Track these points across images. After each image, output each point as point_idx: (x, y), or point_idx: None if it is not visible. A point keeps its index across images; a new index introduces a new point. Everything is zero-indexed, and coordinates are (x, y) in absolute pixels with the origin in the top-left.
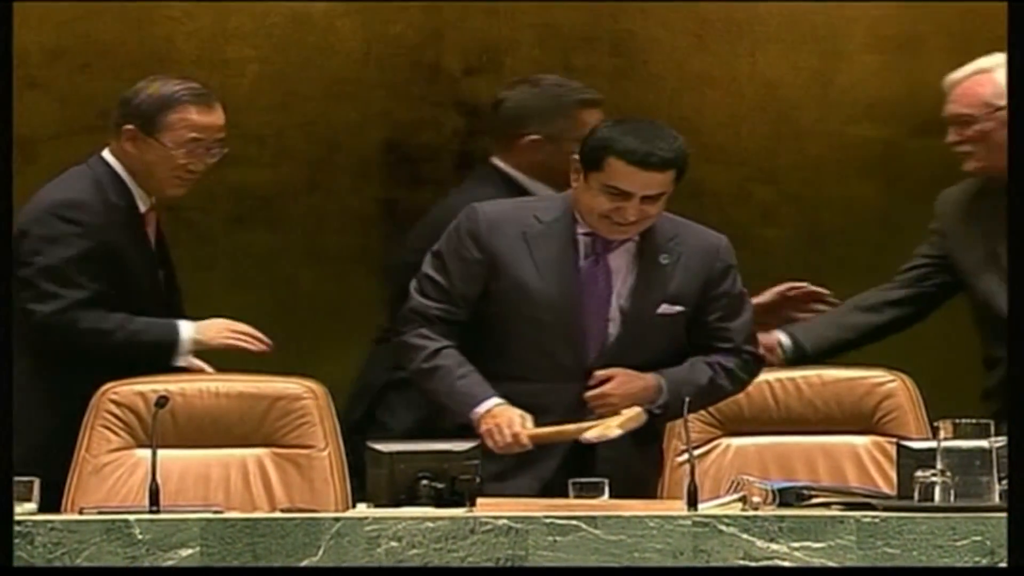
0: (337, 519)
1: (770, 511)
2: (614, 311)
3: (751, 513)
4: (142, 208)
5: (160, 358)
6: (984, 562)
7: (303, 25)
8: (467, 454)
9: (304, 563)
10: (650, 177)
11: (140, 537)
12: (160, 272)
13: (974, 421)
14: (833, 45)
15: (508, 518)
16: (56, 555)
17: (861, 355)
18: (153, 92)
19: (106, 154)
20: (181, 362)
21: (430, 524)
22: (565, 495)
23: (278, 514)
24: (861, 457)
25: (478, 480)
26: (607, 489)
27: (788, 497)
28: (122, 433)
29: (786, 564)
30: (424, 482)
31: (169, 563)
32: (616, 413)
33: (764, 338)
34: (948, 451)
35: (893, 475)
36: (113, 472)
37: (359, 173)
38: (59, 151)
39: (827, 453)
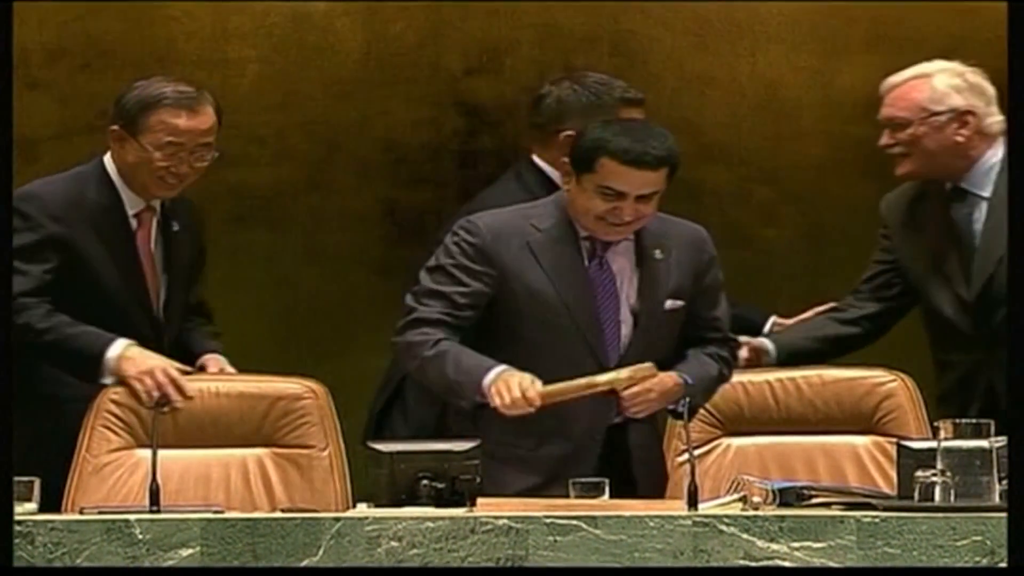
0: (337, 519)
1: (770, 511)
2: (625, 312)
3: (751, 513)
4: (130, 210)
5: (84, 370)
6: (984, 562)
7: (303, 25)
8: (467, 454)
9: (304, 563)
10: (644, 176)
11: (140, 537)
12: (149, 276)
13: (974, 421)
14: (833, 45)
15: (508, 518)
16: (56, 555)
17: (861, 355)
18: (137, 93)
19: (107, 155)
20: (108, 379)
21: (430, 524)
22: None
23: (278, 514)
24: (861, 457)
25: (478, 480)
26: (607, 489)
27: (788, 497)
28: (122, 433)
29: (786, 564)
30: (424, 482)
31: (169, 563)
32: (649, 412)
33: (752, 342)
34: (948, 451)
35: (893, 475)
36: (113, 472)
37: (359, 173)
38: (59, 151)
39: (827, 453)
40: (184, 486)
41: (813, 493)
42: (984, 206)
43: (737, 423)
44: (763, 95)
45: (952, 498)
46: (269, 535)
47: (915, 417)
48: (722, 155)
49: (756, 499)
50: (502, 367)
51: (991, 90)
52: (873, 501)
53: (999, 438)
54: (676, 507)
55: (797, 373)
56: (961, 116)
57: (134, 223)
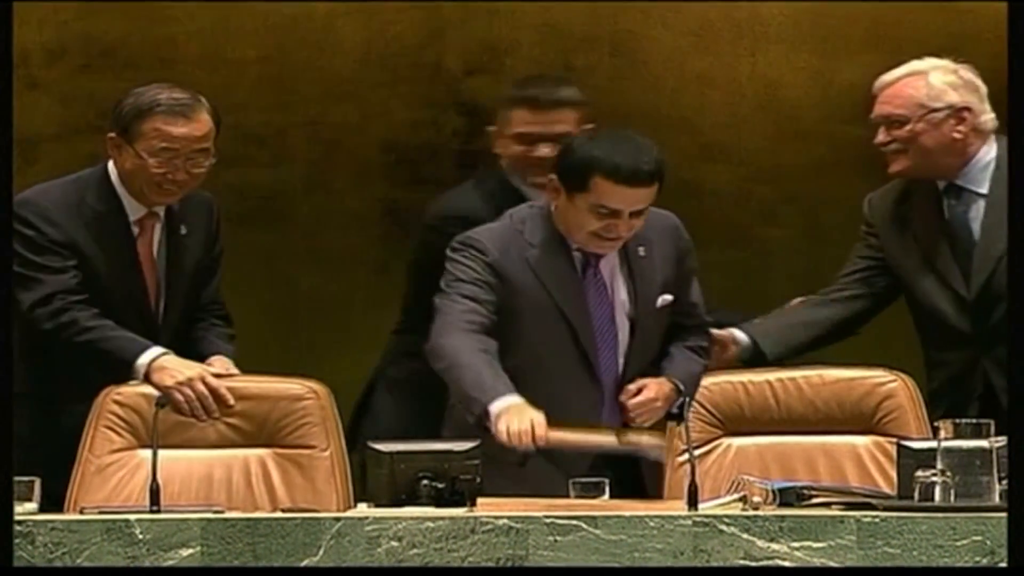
0: (338, 519)
1: (770, 511)
2: (621, 318)
3: (751, 513)
4: (132, 216)
5: (116, 373)
6: (984, 562)
7: (303, 25)
8: (467, 454)
9: (304, 563)
10: (638, 193)
11: (141, 537)
12: (149, 281)
13: (974, 421)
14: (833, 45)
15: (508, 518)
16: (57, 555)
17: (861, 355)
18: (132, 101)
19: (111, 160)
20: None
21: (430, 524)
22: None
23: (279, 514)
24: (861, 457)
25: (478, 480)
26: (607, 489)
27: (788, 497)
28: (125, 434)
29: (786, 564)
30: (424, 482)
31: (170, 563)
32: (653, 420)
33: (719, 333)
34: (948, 451)
35: (893, 475)
36: (116, 472)
37: (359, 173)
38: (59, 151)
39: (827, 453)
40: (187, 486)
41: (813, 493)
42: (981, 203)
43: (737, 423)
44: (763, 95)
45: (952, 498)
46: (269, 535)
47: (915, 417)
48: (722, 155)
49: (756, 499)
50: (514, 398)
51: (983, 87)
52: (873, 501)
53: (999, 438)
54: (676, 507)
55: (797, 373)
56: (958, 112)
57: (135, 229)
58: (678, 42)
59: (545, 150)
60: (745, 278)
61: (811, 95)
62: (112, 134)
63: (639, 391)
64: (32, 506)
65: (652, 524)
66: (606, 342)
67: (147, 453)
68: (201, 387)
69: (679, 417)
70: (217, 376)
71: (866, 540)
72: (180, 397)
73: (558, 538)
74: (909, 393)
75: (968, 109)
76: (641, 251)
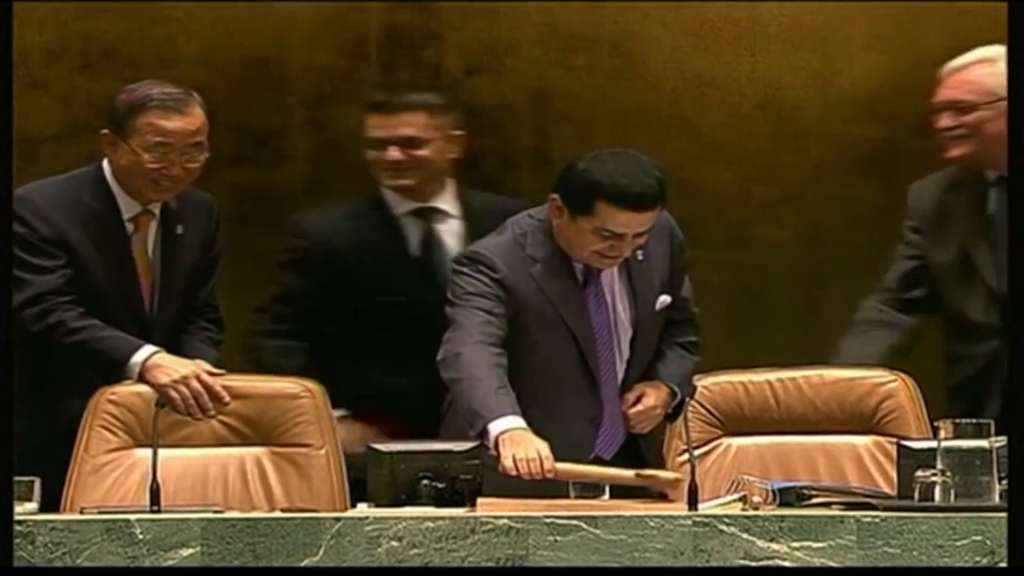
0: (338, 519)
1: (770, 511)
2: (623, 327)
3: (751, 513)
4: (126, 213)
5: (110, 373)
6: (984, 562)
7: (303, 25)
8: (468, 454)
9: (304, 563)
10: (642, 217)
11: (141, 537)
12: (143, 280)
13: (974, 421)
14: (833, 45)
15: (509, 518)
16: (57, 555)
17: None
18: (125, 97)
19: (106, 159)
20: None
21: (431, 524)
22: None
23: (279, 514)
24: (862, 457)
25: (478, 480)
26: (607, 489)
27: (788, 497)
28: (120, 433)
29: (786, 564)
30: (425, 482)
31: (169, 563)
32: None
33: None
34: (948, 451)
35: (893, 475)
36: (112, 472)
37: (359, 173)
38: (59, 151)
39: (828, 453)
40: (182, 485)
41: (813, 493)
42: None
43: (737, 423)
44: (763, 95)
45: (952, 498)
46: (269, 535)
47: (915, 417)
48: (722, 155)
49: (756, 499)
50: (516, 420)
51: None
52: (873, 501)
53: (999, 438)
54: (676, 507)
55: (797, 373)
56: None
57: (129, 227)
58: (678, 42)
59: (394, 153)
60: (745, 278)
61: (811, 95)
62: (106, 131)
63: (638, 399)
64: (32, 506)
65: (652, 524)
66: (607, 355)
67: (142, 452)
68: (196, 384)
69: (673, 417)
70: (211, 373)
71: (866, 540)
72: (175, 395)
73: (558, 538)
74: (909, 393)
75: None
76: (639, 255)
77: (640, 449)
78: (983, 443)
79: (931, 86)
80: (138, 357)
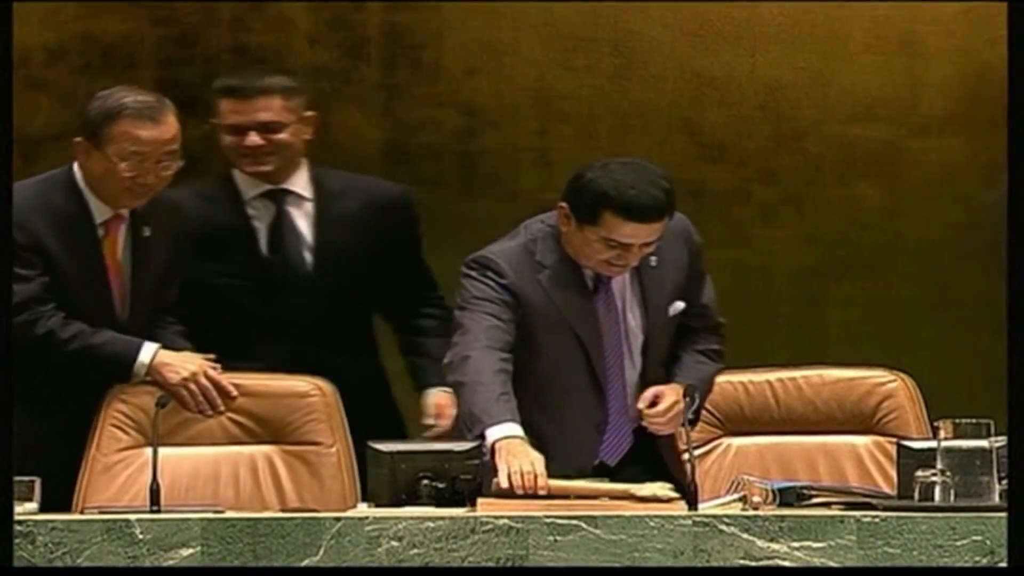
0: (338, 519)
1: (770, 511)
2: (634, 334)
3: (751, 513)
4: (98, 218)
5: (113, 376)
6: (984, 562)
7: (303, 25)
8: (468, 454)
9: (305, 563)
10: (649, 228)
11: (141, 537)
12: (115, 283)
13: (974, 421)
14: (833, 45)
15: (509, 518)
16: (57, 555)
17: (861, 355)
18: (99, 105)
19: (76, 162)
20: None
21: (431, 524)
22: None
23: (279, 514)
24: (861, 457)
25: (478, 480)
26: None
27: (788, 497)
28: (132, 432)
29: (786, 564)
30: (425, 482)
31: (170, 563)
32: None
33: None
34: (948, 451)
35: (893, 475)
36: (123, 471)
37: (359, 173)
38: (59, 151)
39: (827, 453)
40: (194, 484)
41: (813, 493)
42: None
43: (737, 423)
44: (763, 95)
45: (952, 498)
46: (269, 535)
47: (915, 417)
48: (722, 155)
49: (756, 499)
50: (513, 428)
51: None
52: (873, 501)
53: (999, 438)
54: (676, 507)
55: (797, 373)
56: None
57: (100, 231)
58: (678, 42)
59: (254, 138)
60: (745, 278)
61: (811, 95)
62: (79, 139)
63: (655, 401)
64: (32, 506)
65: (652, 524)
66: (615, 361)
67: None
68: (204, 381)
69: (693, 423)
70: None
71: (866, 540)
72: (186, 394)
73: (558, 538)
74: (909, 393)
75: None
76: (652, 260)
77: (646, 454)
78: (983, 443)
79: (931, 86)
80: (143, 357)
